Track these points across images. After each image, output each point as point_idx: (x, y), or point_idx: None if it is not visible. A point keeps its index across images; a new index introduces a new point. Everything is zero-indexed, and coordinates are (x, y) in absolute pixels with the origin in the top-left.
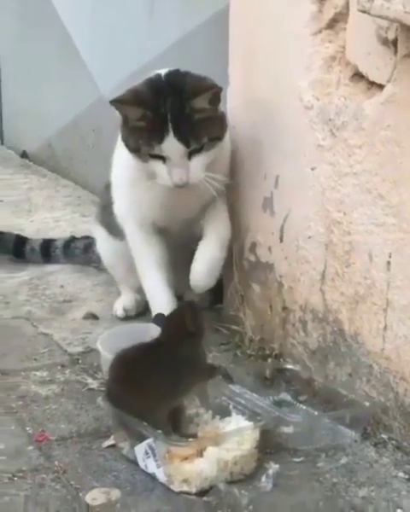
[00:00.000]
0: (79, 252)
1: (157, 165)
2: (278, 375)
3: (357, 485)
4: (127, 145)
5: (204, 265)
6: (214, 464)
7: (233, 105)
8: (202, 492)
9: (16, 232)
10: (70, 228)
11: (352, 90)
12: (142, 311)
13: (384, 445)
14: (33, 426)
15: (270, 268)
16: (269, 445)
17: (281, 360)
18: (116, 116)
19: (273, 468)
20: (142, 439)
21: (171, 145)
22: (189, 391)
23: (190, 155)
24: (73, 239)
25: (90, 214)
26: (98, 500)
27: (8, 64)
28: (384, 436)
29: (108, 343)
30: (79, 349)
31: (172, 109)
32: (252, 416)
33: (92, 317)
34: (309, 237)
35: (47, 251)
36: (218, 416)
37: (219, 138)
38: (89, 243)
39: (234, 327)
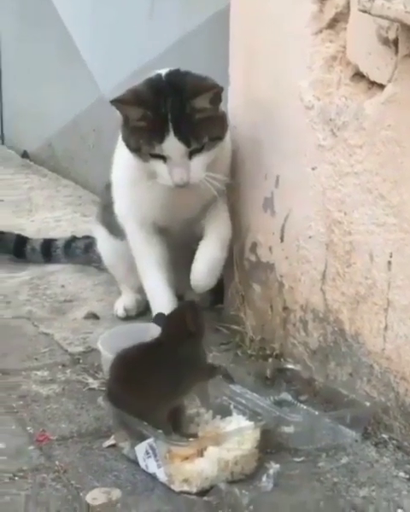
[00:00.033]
0: (79, 251)
1: (158, 165)
2: (278, 375)
3: (358, 484)
4: (128, 145)
5: (205, 265)
6: (215, 464)
7: (234, 105)
8: (202, 492)
9: (17, 232)
10: (71, 228)
11: (353, 89)
12: (142, 310)
13: (385, 444)
14: (34, 425)
15: (270, 268)
16: (270, 445)
17: (282, 360)
18: (117, 116)
19: (274, 467)
20: (142, 438)
21: (171, 145)
22: (189, 391)
23: (191, 155)
24: (73, 239)
25: (90, 214)
26: (99, 500)
27: (8, 64)
28: (385, 436)
29: (109, 343)
30: (80, 349)
31: (173, 109)
32: (253, 415)
33: (93, 316)
34: (310, 237)
35: (48, 251)
36: (218, 416)
37: (219, 138)
38: (89, 243)
39: (235, 327)
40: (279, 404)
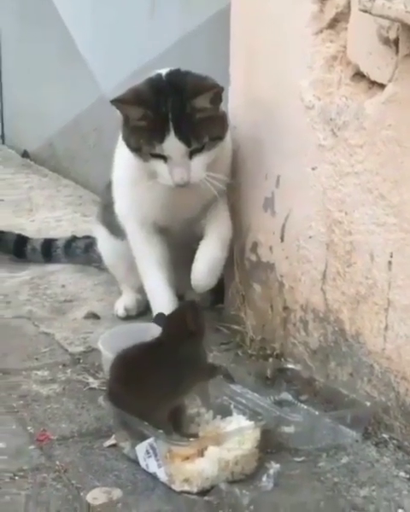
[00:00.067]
0: (80, 251)
1: (158, 165)
2: (278, 375)
3: (358, 484)
4: (128, 144)
5: (205, 265)
6: (215, 464)
7: (234, 104)
8: (203, 492)
9: (17, 232)
10: (71, 227)
11: (353, 89)
12: (143, 310)
13: (385, 444)
14: (34, 425)
15: (271, 268)
16: (270, 445)
17: (282, 360)
18: (117, 115)
19: (274, 467)
20: (143, 438)
21: (172, 144)
22: (190, 390)
23: (191, 155)
24: (74, 238)
25: (91, 214)
26: (99, 499)
27: (9, 64)
28: (385, 436)
29: (109, 343)
30: (81, 348)
31: (173, 109)
32: (253, 415)
33: (93, 316)
34: (310, 237)
35: (48, 250)
36: (219, 416)
37: (220, 138)
38: (90, 243)
39: (235, 326)
40: (280, 403)
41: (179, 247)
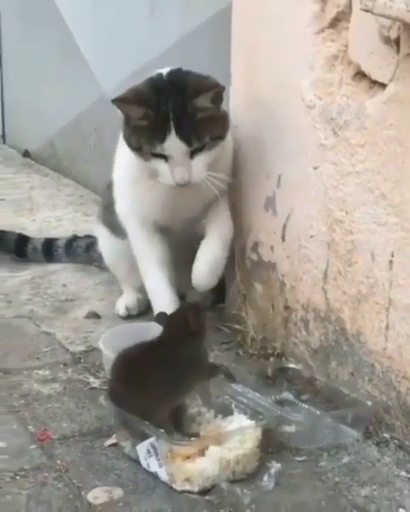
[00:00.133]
0: (81, 251)
1: (159, 164)
2: (280, 374)
3: (359, 484)
4: (129, 144)
5: (206, 265)
6: (216, 463)
7: (235, 104)
8: (204, 491)
9: (18, 231)
10: (72, 227)
11: (354, 89)
12: (144, 310)
13: (386, 444)
14: (35, 425)
15: (272, 267)
16: (271, 444)
17: (283, 359)
18: (118, 115)
19: (275, 467)
20: (144, 437)
21: (173, 144)
22: (191, 390)
23: (192, 154)
24: (75, 238)
25: (92, 213)
26: (100, 499)
27: (10, 63)
28: (386, 435)
29: (110, 342)
30: (81, 348)
31: (174, 108)
32: (254, 415)
33: (94, 315)
34: (311, 236)
35: (49, 250)
36: (220, 415)
37: (221, 137)
38: (91, 242)
39: (236, 326)
40: (281, 403)
41: (180, 246)
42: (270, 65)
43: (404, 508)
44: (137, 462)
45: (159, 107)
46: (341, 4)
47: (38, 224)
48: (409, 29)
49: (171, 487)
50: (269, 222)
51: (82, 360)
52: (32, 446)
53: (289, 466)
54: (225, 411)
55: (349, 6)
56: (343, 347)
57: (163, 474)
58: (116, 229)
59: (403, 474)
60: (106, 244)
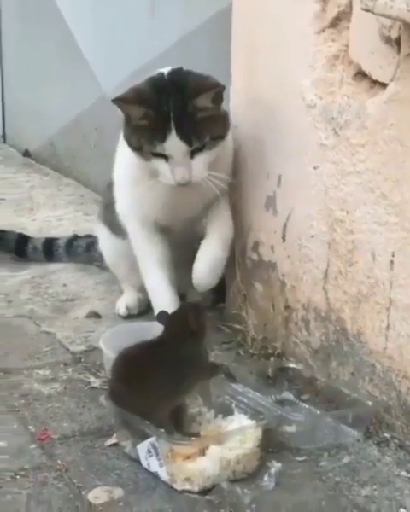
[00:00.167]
0: (81, 250)
1: (160, 164)
2: (280, 374)
3: (360, 484)
4: (130, 144)
5: (207, 264)
6: (217, 463)
7: (236, 104)
8: (204, 491)
9: (19, 231)
10: (72, 226)
11: (355, 88)
12: (144, 309)
13: (387, 443)
14: (36, 424)
15: (272, 267)
16: (271, 444)
17: (283, 359)
18: (118, 115)
19: (276, 466)
20: (144, 437)
21: (173, 144)
22: (191, 389)
23: (193, 154)
24: (75, 237)
25: (92, 213)
26: (101, 498)
27: (10, 63)
28: (387, 435)
29: (111, 341)
30: (82, 347)
31: (175, 108)
32: (254, 414)
33: (95, 315)
34: (312, 236)
35: (49, 249)
36: (220, 415)
37: (221, 137)
38: (91, 242)
39: (236, 326)
40: (281, 403)
41: (181, 246)
42: (270, 65)
43: (405, 508)
44: (137, 461)
45: (159, 106)
46: (341, 4)
47: (38, 224)
48: None
49: (171, 487)
50: (269, 222)
51: (82, 360)
52: (33, 446)
53: (289, 466)
54: (226, 411)
55: (350, 6)
56: (344, 347)
57: (164, 474)
58: (117, 228)
59: (404, 473)
60: (106, 244)
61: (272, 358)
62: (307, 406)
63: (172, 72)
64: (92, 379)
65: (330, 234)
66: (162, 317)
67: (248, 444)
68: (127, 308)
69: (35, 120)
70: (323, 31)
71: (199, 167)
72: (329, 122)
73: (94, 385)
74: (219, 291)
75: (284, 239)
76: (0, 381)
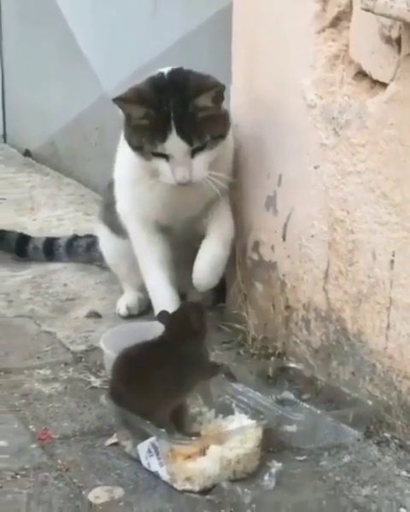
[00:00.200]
0: (81, 250)
1: (160, 164)
2: (280, 374)
3: (360, 483)
4: (130, 143)
5: (207, 264)
6: (217, 463)
7: (236, 103)
8: (204, 491)
9: (19, 230)
10: (73, 226)
11: (355, 88)
12: (145, 309)
13: (387, 443)
14: (36, 424)
15: (273, 267)
16: (272, 444)
17: (284, 359)
18: (119, 114)
19: (276, 466)
20: (145, 437)
21: (174, 143)
22: (192, 389)
23: (193, 153)
24: (75, 237)
25: (93, 213)
26: (101, 498)
27: (10, 62)
28: (387, 435)
29: (111, 341)
30: (82, 347)
31: (175, 107)
32: (255, 414)
33: (95, 315)
34: (312, 236)
35: (50, 249)
36: (221, 415)
37: (222, 136)
38: (92, 242)
39: (237, 325)
40: (281, 402)
41: (181, 245)
42: (271, 64)
43: (405, 507)
44: (137, 461)
45: (160, 106)
46: (342, 4)
47: (38, 224)
48: None
49: (172, 487)
50: (270, 221)
51: (83, 359)
52: (33, 446)
53: (289, 465)
54: (226, 411)
55: (350, 5)
56: (344, 347)
57: (164, 474)
58: (117, 228)
59: (404, 473)
60: (107, 243)
61: (272, 358)
62: (307, 406)
63: (172, 72)
64: (93, 379)
65: (330, 233)
66: (163, 316)
67: (248, 443)
68: (128, 308)
69: (36, 120)
70: (323, 30)
71: (200, 167)
72: (329, 122)
73: (94, 385)
74: (220, 291)
75: (284, 239)
76: (1, 381)
